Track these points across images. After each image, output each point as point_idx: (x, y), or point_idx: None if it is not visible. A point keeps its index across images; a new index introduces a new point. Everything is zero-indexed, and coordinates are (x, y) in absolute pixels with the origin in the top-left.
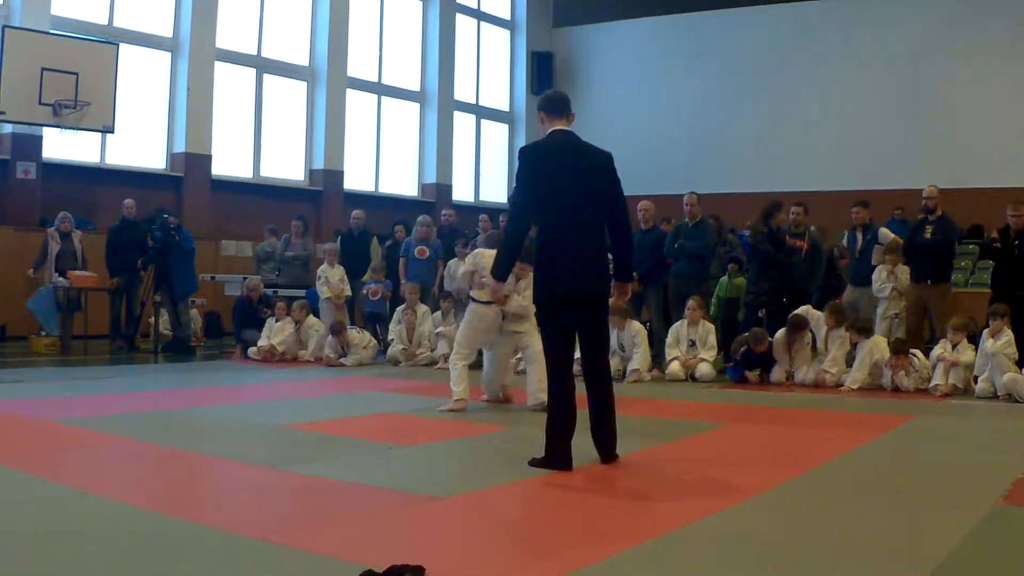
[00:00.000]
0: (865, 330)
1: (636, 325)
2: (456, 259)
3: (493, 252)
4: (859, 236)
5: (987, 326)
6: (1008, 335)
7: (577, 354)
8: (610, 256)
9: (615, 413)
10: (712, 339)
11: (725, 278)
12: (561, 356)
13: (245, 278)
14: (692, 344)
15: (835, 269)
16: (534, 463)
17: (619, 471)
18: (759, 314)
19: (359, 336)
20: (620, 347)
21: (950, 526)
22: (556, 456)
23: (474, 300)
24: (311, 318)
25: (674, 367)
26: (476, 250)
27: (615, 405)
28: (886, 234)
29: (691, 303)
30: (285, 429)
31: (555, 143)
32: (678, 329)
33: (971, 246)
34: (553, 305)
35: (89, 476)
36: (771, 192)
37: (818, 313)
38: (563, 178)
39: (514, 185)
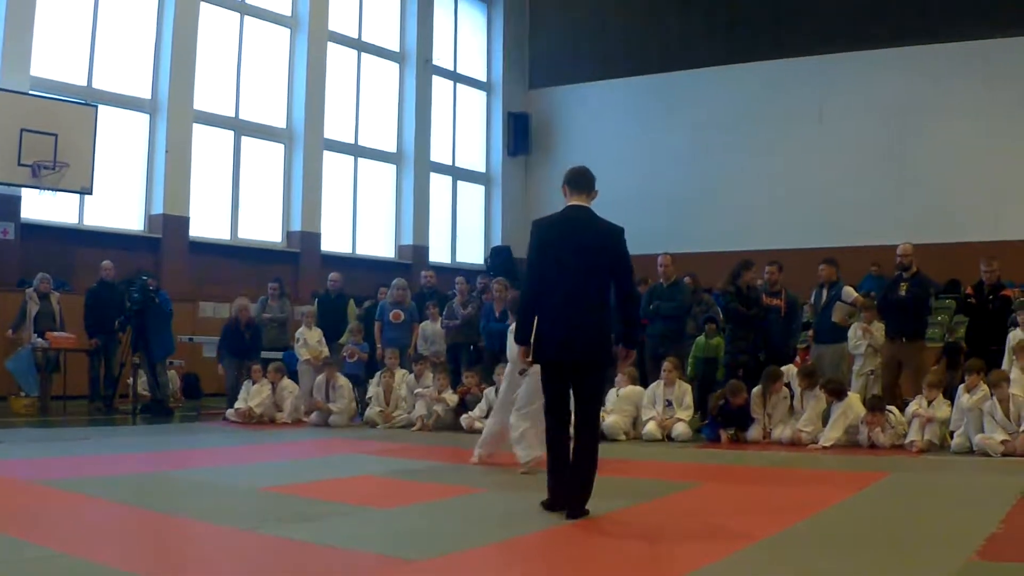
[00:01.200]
0: (839, 392)
1: (637, 389)
2: (429, 321)
3: None
4: (824, 293)
5: (963, 381)
6: (983, 390)
7: None
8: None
9: (592, 473)
10: (688, 399)
11: (702, 338)
12: (554, 409)
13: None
14: (668, 404)
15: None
16: (544, 505)
17: (592, 533)
18: (738, 373)
19: (346, 381)
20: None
21: None
22: (551, 500)
23: None
24: (286, 380)
25: (650, 427)
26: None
27: (595, 466)
28: (849, 292)
29: (667, 364)
30: (265, 492)
31: (564, 217)
32: (654, 390)
33: (947, 301)
34: (546, 366)
35: (69, 538)
36: (747, 251)
37: (795, 370)
38: (565, 249)
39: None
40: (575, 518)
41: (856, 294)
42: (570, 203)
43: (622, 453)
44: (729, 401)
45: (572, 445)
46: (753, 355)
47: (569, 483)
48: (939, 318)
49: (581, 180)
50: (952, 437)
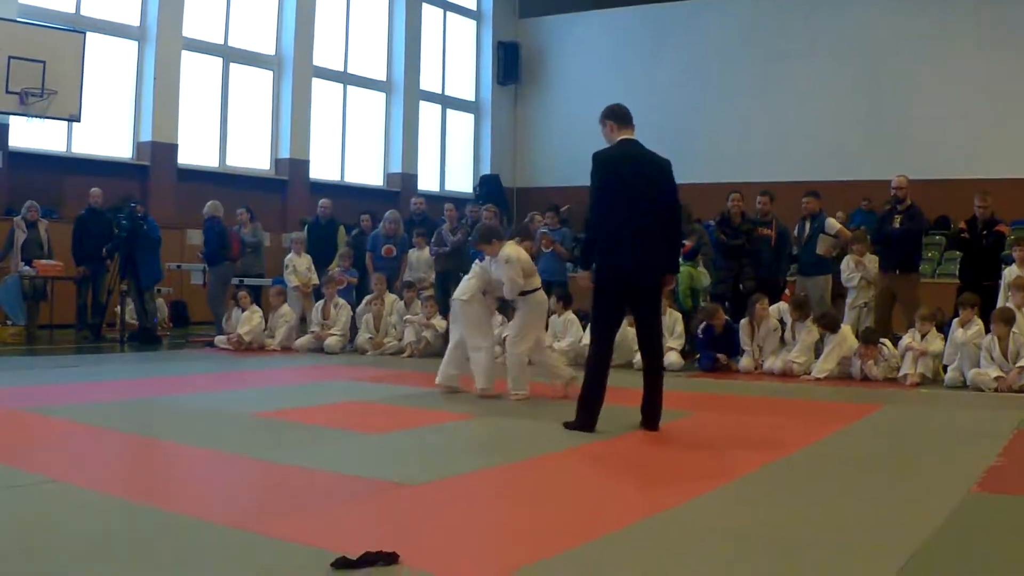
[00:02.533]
0: (832, 325)
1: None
2: (415, 249)
3: (521, 250)
4: (808, 225)
5: (957, 316)
6: (978, 324)
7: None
8: None
9: (662, 398)
10: (680, 328)
11: (688, 268)
12: (607, 337)
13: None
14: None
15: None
16: (568, 425)
17: (589, 460)
18: (723, 303)
19: (345, 303)
20: None
21: (925, 514)
22: (586, 422)
23: (531, 291)
24: (285, 307)
25: (638, 358)
26: (513, 249)
27: (662, 392)
28: (832, 224)
29: None
30: (255, 418)
31: (625, 151)
32: None
33: (938, 237)
34: (609, 294)
35: (58, 464)
36: (739, 183)
37: (786, 307)
38: (633, 182)
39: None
40: (656, 430)
41: (839, 225)
42: (623, 137)
43: (613, 382)
44: (711, 325)
45: (644, 369)
46: (734, 285)
47: (645, 409)
48: (929, 254)
49: (627, 115)
50: (946, 371)
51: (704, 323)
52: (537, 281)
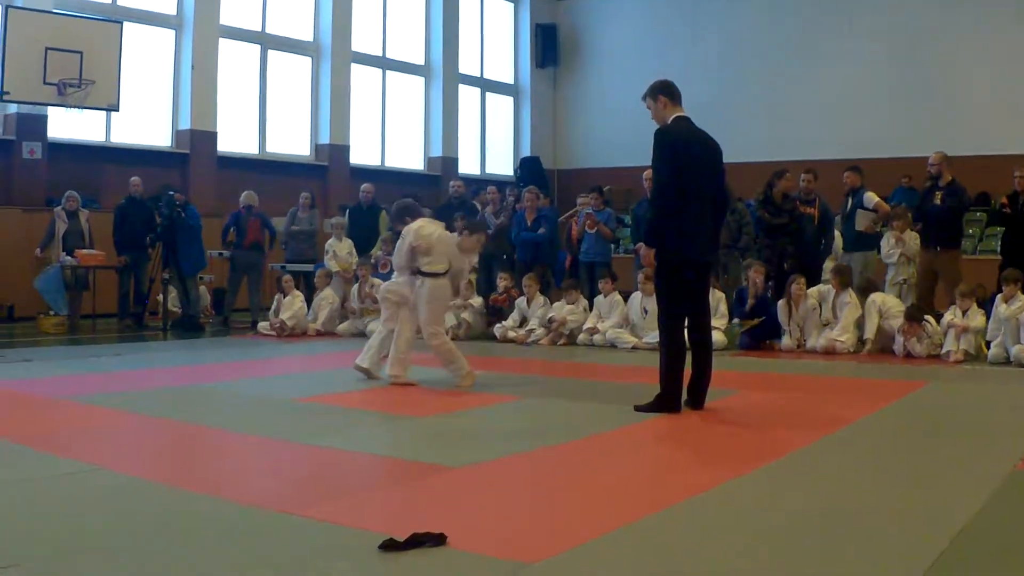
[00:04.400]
0: (869, 289)
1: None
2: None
3: (436, 225)
4: (849, 201)
5: (999, 291)
6: (1021, 299)
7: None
8: None
9: (710, 376)
10: (723, 308)
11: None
12: (682, 315)
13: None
14: None
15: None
16: (643, 408)
17: (634, 440)
18: (768, 283)
19: (380, 282)
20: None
21: (972, 490)
22: (670, 401)
23: (429, 275)
24: (327, 290)
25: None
26: (418, 224)
27: (711, 370)
28: (870, 198)
29: None
30: (298, 403)
31: (689, 129)
32: None
33: (979, 213)
34: (681, 270)
35: (104, 452)
36: (780, 161)
37: (826, 288)
38: (699, 159)
39: (653, 164)
40: (701, 408)
41: (877, 198)
42: (679, 114)
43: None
44: (744, 288)
45: (692, 346)
46: (778, 263)
47: (693, 383)
48: (970, 231)
49: (678, 92)
50: (989, 347)
51: (739, 287)
52: (442, 266)
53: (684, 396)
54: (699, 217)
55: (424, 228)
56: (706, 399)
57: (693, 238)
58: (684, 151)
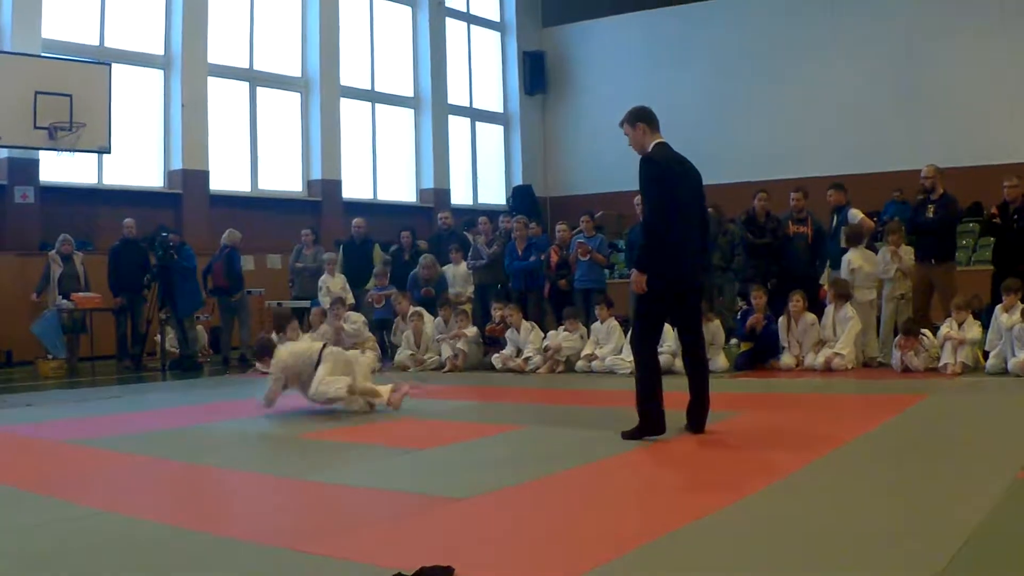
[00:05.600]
0: (846, 295)
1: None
2: (452, 264)
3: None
4: (835, 219)
5: (995, 302)
6: (1021, 308)
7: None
8: None
9: (709, 393)
10: (720, 337)
11: None
12: (656, 340)
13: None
14: None
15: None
16: (628, 435)
17: (638, 466)
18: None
19: (359, 316)
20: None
21: (975, 500)
22: (652, 424)
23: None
24: (323, 327)
25: (679, 363)
26: (276, 359)
27: (709, 387)
28: (855, 215)
29: None
30: (305, 439)
31: (671, 155)
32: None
33: (971, 224)
34: (664, 298)
35: (107, 495)
36: (769, 180)
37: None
38: (685, 185)
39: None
40: (702, 432)
41: (862, 215)
42: (659, 140)
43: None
44: (749, 310)
45: (690, 371)
46: (763, 284)
47: (691, 406)
48: (963, 242)
49: (656, 118)
50: (987, 358)
51: (742, 309)
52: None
53: (670, 420)
54: (688, 241)
55: (280, 356)
56: (706, 422)
57: (683, 262)
58: (670, 177)
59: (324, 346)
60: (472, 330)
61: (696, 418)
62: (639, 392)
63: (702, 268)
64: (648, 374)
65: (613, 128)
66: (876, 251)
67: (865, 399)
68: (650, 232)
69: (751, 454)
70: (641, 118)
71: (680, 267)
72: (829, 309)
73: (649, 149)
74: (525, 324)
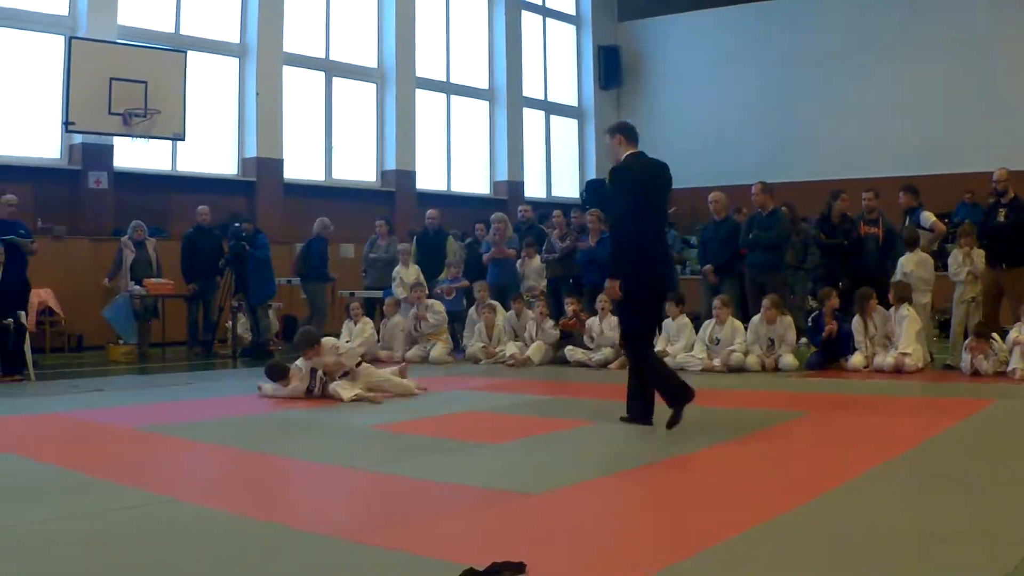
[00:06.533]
0: (906, 297)
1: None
2: (525, 258)
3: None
4: (906, 221)
5: None
6: None
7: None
8: None
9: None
10: (791, 335)
11: None
12: (651, 335)
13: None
14: (772, 344)
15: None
16: (671, 423)
17: (708, 465)
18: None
19: (439, 305)
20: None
21: None
22: (680, 398)
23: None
24: (396, 317)
25: (751, 360)
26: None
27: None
28: (927, 218)
29: (766, 302)
30: (373, 430)
31: (639, 166)
32: (757, 327)
33: None
34: (650, 299)
35: (178, 483)
36: (841, 180)
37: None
38: (653, 194)
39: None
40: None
41: (934, 218)
42: (633, 151)
43: (726, 383)
44: (822, 311)
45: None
46: (833, 284)
47: (648, 399)
48: None
49: (636, 133)
50: None
51: (815, 313)
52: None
53: (628, 411)
54: (658, 244)
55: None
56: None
57: (656, 265)
58: (639, 186)
59: (359, 362)
60: (548, 324)
61: (643, 407)
62: (655, 384)
63: (670, 268)
64: (657, 366)
65: (687, 123)
66: (947, 253)
67: (933, 402)
68: (616, 240)
69: (818, 456)
70: (620, 131)
71: (654, 270)
72: (890, 311)
73: (622, 159)
74: (610, 318)
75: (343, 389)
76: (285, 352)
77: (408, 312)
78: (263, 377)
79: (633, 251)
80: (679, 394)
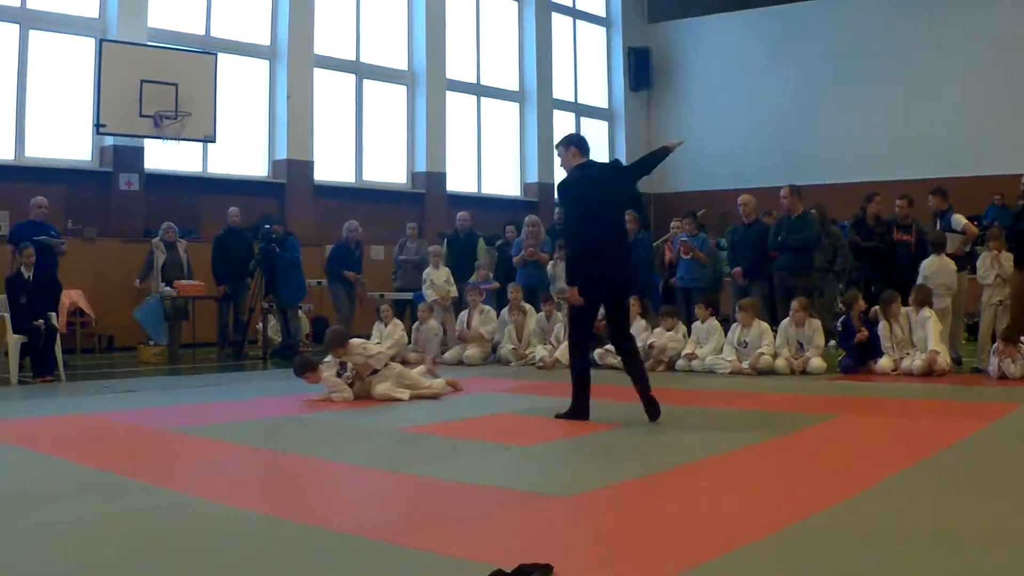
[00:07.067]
0: (928, 302)
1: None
2: (556, 260)
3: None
4: (937, 224)
5: None
6: None
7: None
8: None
9: (647, 377)
10: (819, 338)
11: None
12: (587, 341)
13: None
14: (800, 347)
15: None
16: (561, 416)
17: (734, 467)
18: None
19: (491, 310)
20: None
21: None
22: (580, 410)
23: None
24: (431, 321)
25: (780, 363)
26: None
27: (646, 374)
28: (958, 220)
29: (795, 304)
30: (402, 432)
31: (584, 174)
32: (786, 329)
33: None
34: (591, 303)
35: (209, 483)
36: (871, 182)
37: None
38: (597, 201)
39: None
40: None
41: (965, 220)
42: (582, 162)
43: (754, 386)
44: (850, 315)
45: (628, 369)
46: (865, 287)
47: (643, 393)
48: None
49: (588, 145)
50: None
51: (843, 317)
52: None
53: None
54: (606, 248)
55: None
56: (660, 406)
57: (604, 266)
58: (585, 196)
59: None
60: None
61: (652, 409)
62: (579, 379)
63: (627, 267)
64: (580, 372)
65: (718, 125)
66: (977, 256)
67: (960, 406)
68: (568, 248)
69: (846, 459)
70: (573, 143)
71: (603, 272)
72: (912, 314)
73: (569, 171)
74: (640, 321)
75: (397, 392)
76: (315, 353)
77: (440, 314)
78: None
79: (583, 260)
80: (578, 411)
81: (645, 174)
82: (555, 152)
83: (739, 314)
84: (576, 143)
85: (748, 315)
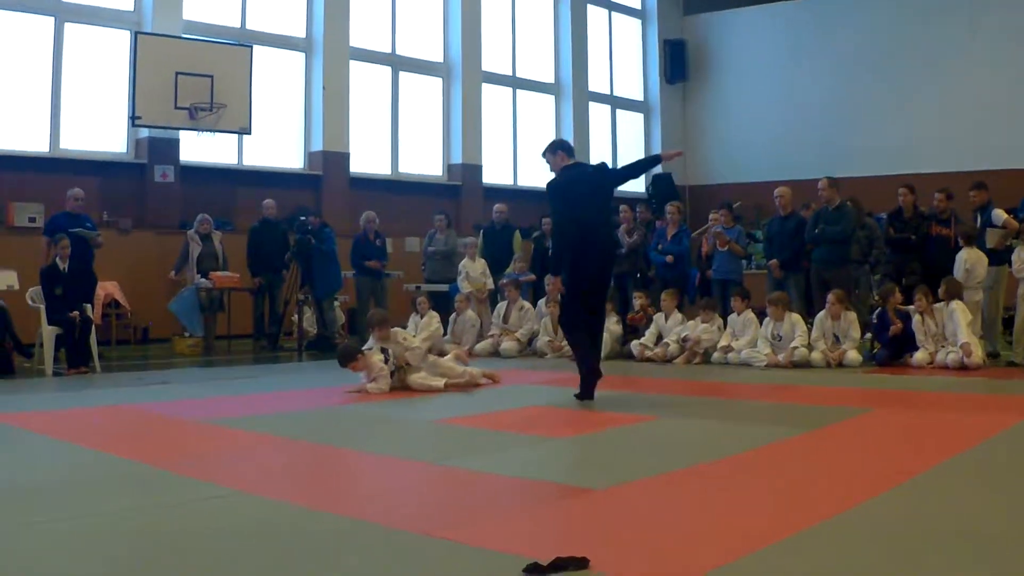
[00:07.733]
0: (957, 294)
1: (795, 316)
2: None
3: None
4: (978, 219)
5: None
6: None
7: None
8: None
9: (600, 366)
10: (855, 331)
11: None
12: (578, 322)
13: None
14: (836, 339)
15: None
16: (580, 395)
17: (771, 461)
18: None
19: (529, 305)
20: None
21: None
22: (588, 391)
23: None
24: (469, 312)
25: (815, 356)
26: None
27: (599, 360)
28: (998, 215)
29: (831, 297)
30: (437, 424)
31: (570, 178)
32: (822, 322)
33: None
34: (578, 296)
35: (246, 476)
36: (907, 174)
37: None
38: (580, 201)
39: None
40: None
41: (1006, 215)
42: (568, 163)
43: (791, 379)
44: (885, 310)
45: (587, 343)
46: (897, 279)
47: (589, 375)
48: None
49: (572, 149)
50: None
51: (879, 310)
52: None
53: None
54: (589, 245)
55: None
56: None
57: (587, 262)
58: (569, 195)
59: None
60: (617, 329)
61: (588, 387)
62: (585, 363)
63: (612, 261)
64: (579, 346)
65: (753, 117)
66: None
67: (996, 399)
68: (554, 243)
69: (880, 454)
70: (560, 147)
71: (586, 266)
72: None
73: (556, 173)
74: (676, 314)
75: (432, 380)
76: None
77: (475, 306)
78: (332, 368)
79: (567, 254)
80: (584, 391)
81: (633, 178)
82: (543, 159)
83: (769, 308)
84: (562, 147)
85: (778, 309)
